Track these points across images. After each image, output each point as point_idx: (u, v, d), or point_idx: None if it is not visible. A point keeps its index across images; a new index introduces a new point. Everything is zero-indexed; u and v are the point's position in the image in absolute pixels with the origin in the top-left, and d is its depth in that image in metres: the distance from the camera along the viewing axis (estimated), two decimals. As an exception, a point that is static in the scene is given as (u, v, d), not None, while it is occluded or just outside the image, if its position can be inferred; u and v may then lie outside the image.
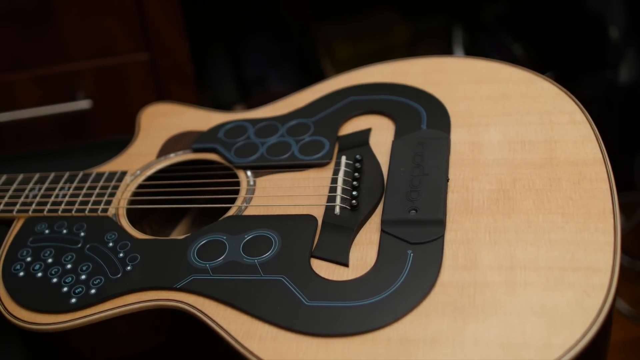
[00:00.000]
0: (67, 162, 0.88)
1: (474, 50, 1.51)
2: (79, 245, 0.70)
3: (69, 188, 0.77)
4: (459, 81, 0.80)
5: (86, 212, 0.74)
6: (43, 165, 0.84)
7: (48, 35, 1.11)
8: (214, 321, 0.60)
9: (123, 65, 1.16)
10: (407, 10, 1.64)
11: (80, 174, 0.79)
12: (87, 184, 0.77)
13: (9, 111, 1.15)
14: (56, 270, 0.68)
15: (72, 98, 1.17)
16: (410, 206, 0.65)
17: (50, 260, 0.69)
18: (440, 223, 0.63)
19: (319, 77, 0.85)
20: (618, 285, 0.57)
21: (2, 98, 1.15)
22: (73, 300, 0.65)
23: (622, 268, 1.29)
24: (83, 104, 1.16)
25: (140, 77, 1.17)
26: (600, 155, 0.67)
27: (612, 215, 0.61)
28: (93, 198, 0.75)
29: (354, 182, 0.70)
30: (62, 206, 0.75)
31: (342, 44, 1.58)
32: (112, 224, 0.72)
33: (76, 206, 0.75)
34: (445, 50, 1.57)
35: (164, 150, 0.82)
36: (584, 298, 0.56)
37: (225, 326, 0.60)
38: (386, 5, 1.64)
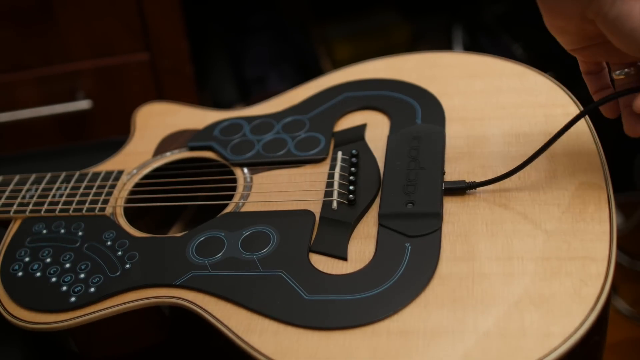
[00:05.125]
0: (66, 162, 0.89)
1: (474, 50, 1.51)
2: (77, 244, 0.70)
3: (66, 188, 0.77)
4: (452, 76, 0.80)
5: (83, 211, 0.74)
6: (42, 166, 0.84)
7: (48, 35, 1.11)
8: (214, 317, 0.60)
9: (123, 65, 1.17)
10: (407, 10, 1.65)
11: (77, 173, 0.79)
12: (84, 184, 0.77)
13: (9, 111, 1.15)
14: (55, 269, 0.68)
15: (72, 98, 1.17)
16: (407, 200, 0.66)
17: (48, 260, 0.69)
18: (437, 215, 0.64)
19: (318, 76, 0.86)
20: (615, 274, 0.57)
21: (2, 98, 1.15)
22: (72, 299, 0.65)
23: (622, 268, 1.29)
24: (83, 104, 1.16)
25: (140, 77, 1.18)
26: (594, 146, 0.68)
27: (607, 205, 0.62)
28: (90, 197, 0.75)
29: (351, 177, 0.71)
30: (60, 206, 0.75)
31: (342, 44, 1.58)
32: (109, 222, 0.72)
33: (73, 206, 0.75)
34: (446, 49, 1.58)
35: (160, 149, 0.82)
36: (581, 287, 0.56)
37: (225, 322, 0.60)
38: (386, 5, 1.65)
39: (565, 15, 0.57)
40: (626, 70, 0.61)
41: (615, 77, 0.61)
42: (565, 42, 0.61)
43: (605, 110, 0.64)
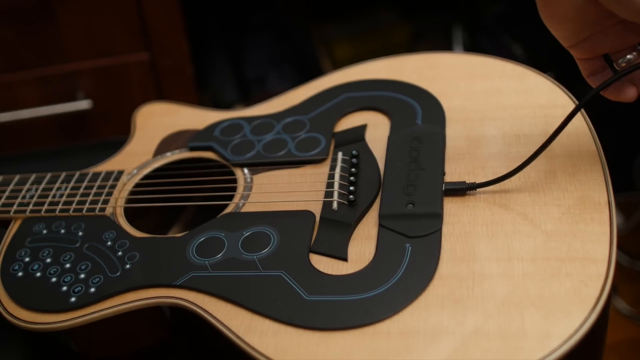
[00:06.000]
0: (66, 162, 0.89)
1: (474, 50, 1.51)
2: (77, 244, 0.70)
3: (66, 188, 0.77)
4: (453, 77, 0.80)
5: (84, 211, 0.74)
6: (42, 166, 0.84)
7: (48, 35, 1.12)
8: (214, 317, 0.60)
9: (123, 65, 1.17)
10: (407, 10, 1.65)
11: (77, 174, 0.79)
12: (84, 184, 0.77)
13: (9, 111, 1.15)
14: (55, 269, 0.68)
15: (72, 98, 1.17)
16: (408, 200, 0.66)
17: (48, 260, 0.69)
18: (438, 216, 0.64)
19: (318, 77, 0.86)
20: (615, 275, 0.57)
21: (2, 98, 1.15)
22: (72, 299, 0.65)
23: (622, 268, 1.29)
24: (83, 104, 1.16)
25: (140, 77, 1.18)
26: (595, 147, 0.68)
27: (607, 206, 0.62)
28: (90, 197, 0.75)
29: (351, 178, 0.71)
30: (60, 206, 0.75)
31: (342, 44, 1.58)
32: (110, 223, 0.72)
33: (73, 206, 0.75)
34: (446, 50, 1.58)
35: (160, 149, 0.82)
36: (581, 288, 0.56)
37: (226, 322, 0.60)
38: (386, 5, 1.65)
39: None
40: (628, 57, 0.60)
41: (618, 67, 0.61)
42: (566, 34, 0.60)
43: (610, 94, 0.62)
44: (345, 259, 0.63)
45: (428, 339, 0.55)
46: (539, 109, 0.73)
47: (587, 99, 0.62)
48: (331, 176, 0.72)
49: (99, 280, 0.66)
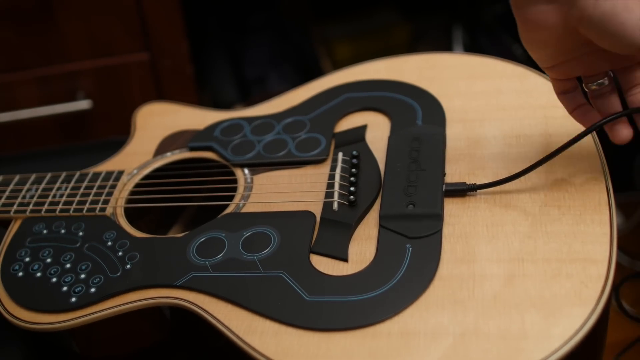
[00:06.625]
0: (66, 162, 0.89)
1: (474, 50, 1.51)
2: (78, 244, 0.70)
3: (66, 188, 0.77)
4: (453, 77, 0.80)
5: (84, 211, 0.74)
6: (42, 166, 0.84)
7: (48, 35, 1.11)
8: (215, 318, 0.60)
9: (123, 65, 1.17)
10: (407, 10, 1.65)
11: (77, 174, 0.79)
12: (84, 184, 0.77)
13: (9, 111, 1.15)
14: (55, 269, 0.68)
15: (72, 98, 1.17)
16: (408, 201, 0.66)
17: (49, 260, 0.69)
18: (438, 217, 0.64)
19: (318, 77, 0.86)
20: (615, 276, 0.57)
21: (3, 98, 1.15)
22: (73, 299, 0.65)
23: (622, 268, 1.29)
24: (83, 104, 1.16)
25: (140, 77, 1.18)
26: (595, 148, 0.68)
27: (607, 207, 0.62)
28: (90, 197, 0.75)
29: (352, 178, 0.71)
30: (60, 206, 0.75)
31: (342, 44, 1.58)
32: (110, 223, 0.72)
33: (74, 206, 0.75)
34: (446, 50, 1.58)
35: (161, 150, 0.82)
36: (581, 289, 0.56)
37: (226, 322, 0.60)
38: (386, 5, 1.65)
39: (547, 25, 0.56)
40: (600, 81, 0.61)
41: (588, 89, 0.62)
42: (543, 58, 0.61)
43: (614, 135, 0.62)
44: (345, 260, 0.63)
45: (428, 340, 0.55)
46: (539, 109, 0.73)
47: (596, 127, 0.62)
48: (331, 176, 0.72)
49: (99, 281, 0.66)
